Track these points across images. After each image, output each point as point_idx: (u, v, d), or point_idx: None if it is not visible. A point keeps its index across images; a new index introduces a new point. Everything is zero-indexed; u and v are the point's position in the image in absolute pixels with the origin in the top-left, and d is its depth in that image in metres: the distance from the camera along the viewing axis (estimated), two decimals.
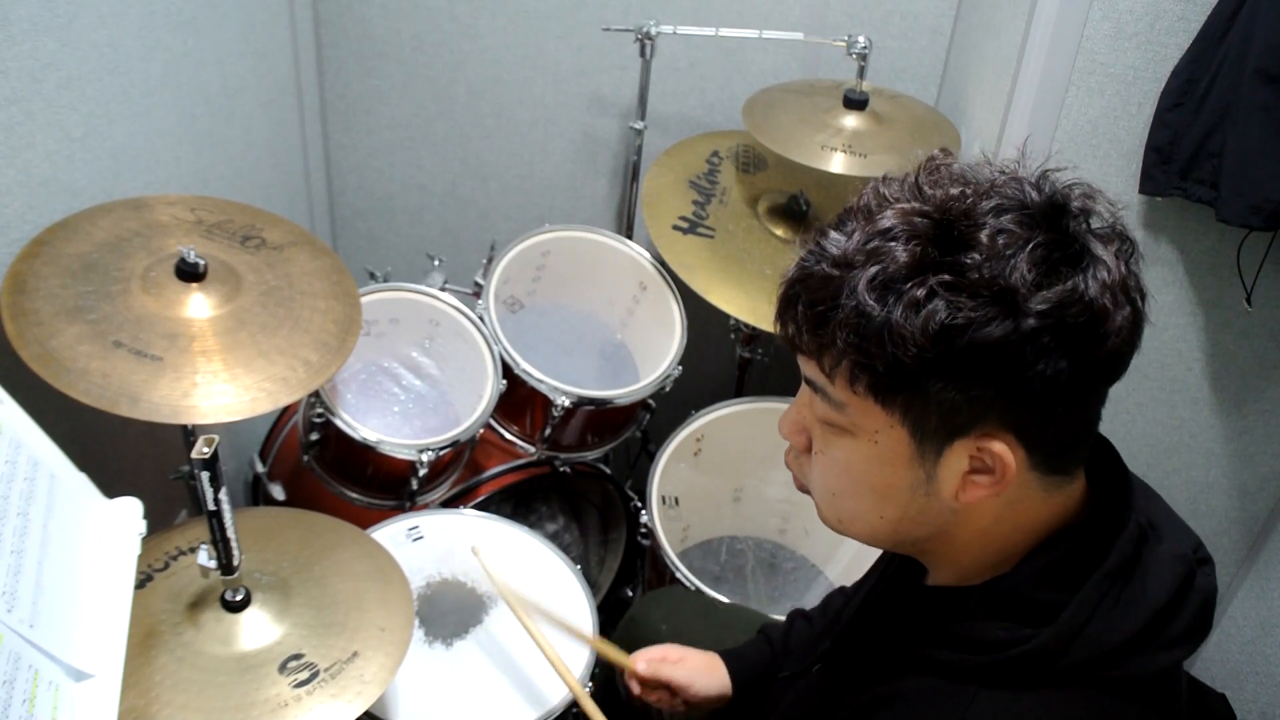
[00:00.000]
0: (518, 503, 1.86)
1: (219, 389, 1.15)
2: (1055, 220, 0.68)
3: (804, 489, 0.82)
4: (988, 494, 0.71)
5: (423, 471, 1.54)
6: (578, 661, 1.33)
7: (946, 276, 0.64)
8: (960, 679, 0.72)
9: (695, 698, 1.18)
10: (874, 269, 0.66)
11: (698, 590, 1.50)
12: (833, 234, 0.70)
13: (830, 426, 0.75)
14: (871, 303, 0.66)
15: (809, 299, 0.70)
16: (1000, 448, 0.68)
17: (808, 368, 0.74)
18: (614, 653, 1.23)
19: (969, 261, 0.65)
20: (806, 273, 0.70)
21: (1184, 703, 0.76)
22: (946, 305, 0.64)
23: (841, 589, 1.20)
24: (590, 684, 1.34)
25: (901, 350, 0.65)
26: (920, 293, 0.64)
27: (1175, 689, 0.74)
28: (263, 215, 1.42)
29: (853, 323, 0.67)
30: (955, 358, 0.65)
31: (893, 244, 0.66)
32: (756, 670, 1.19)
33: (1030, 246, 0.65)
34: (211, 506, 0.97)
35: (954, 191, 0.68)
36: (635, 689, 1.20)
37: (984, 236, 0.65)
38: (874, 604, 0.93)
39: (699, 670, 1.19)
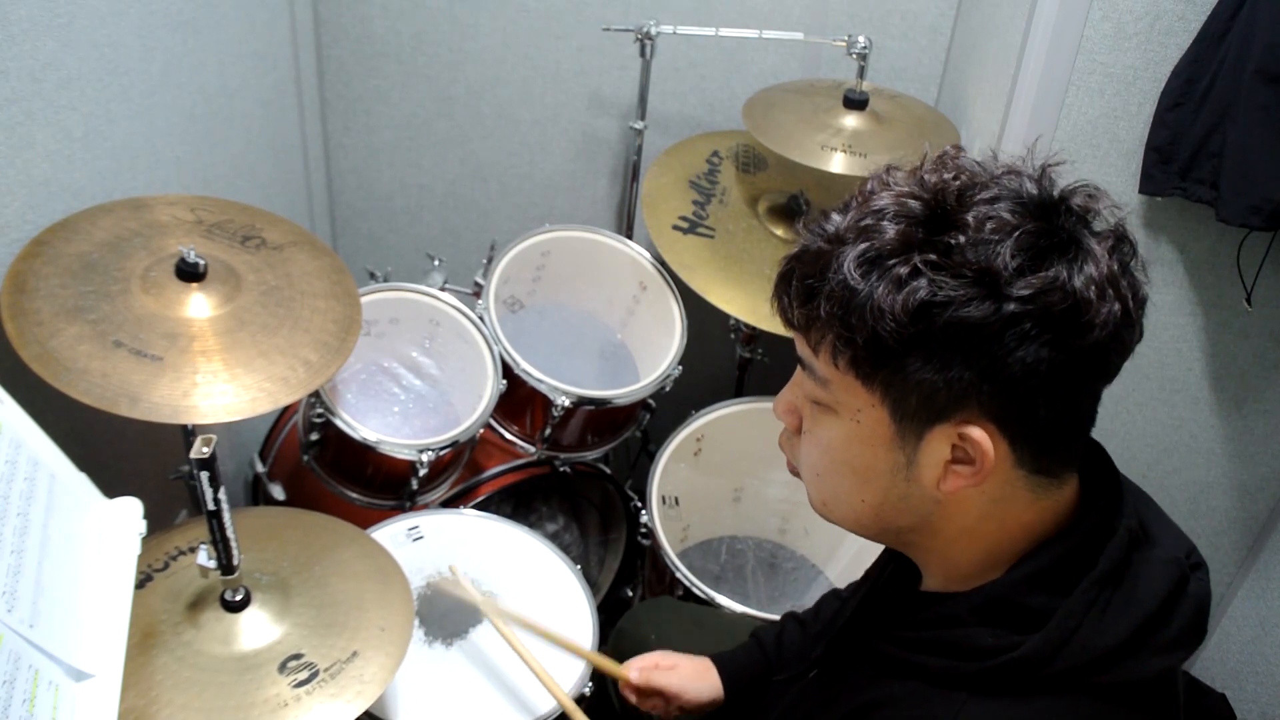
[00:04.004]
0: (518, 503, 1.86)
1: (219, 389, 1.15)
2: (1048, 213, 0.68)
3: (795, 472, 0.83)
4: (968, 484, 0.71)
5: (423, 471, 1.54)
6: (572, 671, 1.33)
7: (931, 256, 0.65)
8: (949, 686, 0.72)
9: (688, 704, 1.18)
10: (863, 245, 0.67)
11: (688, 601, 1.50)
12: (833, 215, 0.72)
13: (817, 405, 0.76)
14: (857, 277, 0.67)
15: (801, 273, 0.72)
16: (980, 435, 0.68)
17: (799, 343, 0.75)
18: (607, 663, 1.23)
19: (954, 243, 0.66)
20: (803, 249, 0.72)
21: (1180, 708, 0.75)
22: (928, 283, 0.65)
23: (835, 592, 1.20)
24: (590, 684, 1.34)
25: (881, 324, 0.66)
26: (904, 270, 0.66)
27: (1170, 694, 0.74)
28: (263, 215, 1.42)
29: (838, 295, 0.68)
30: (934, 336, 0.66)
31: (884, 222, 0.68)
32: (749, 673, 1.20)
33: (1017, 234, 0.66)
34: (211, 506, 0.97)
35: (949, 177, 0.70)
36: (631, 698, 1.21)
37: (972, 219, 0.66)
38: (868, 609, 0.93)
39: (690, 676, 1.19)
